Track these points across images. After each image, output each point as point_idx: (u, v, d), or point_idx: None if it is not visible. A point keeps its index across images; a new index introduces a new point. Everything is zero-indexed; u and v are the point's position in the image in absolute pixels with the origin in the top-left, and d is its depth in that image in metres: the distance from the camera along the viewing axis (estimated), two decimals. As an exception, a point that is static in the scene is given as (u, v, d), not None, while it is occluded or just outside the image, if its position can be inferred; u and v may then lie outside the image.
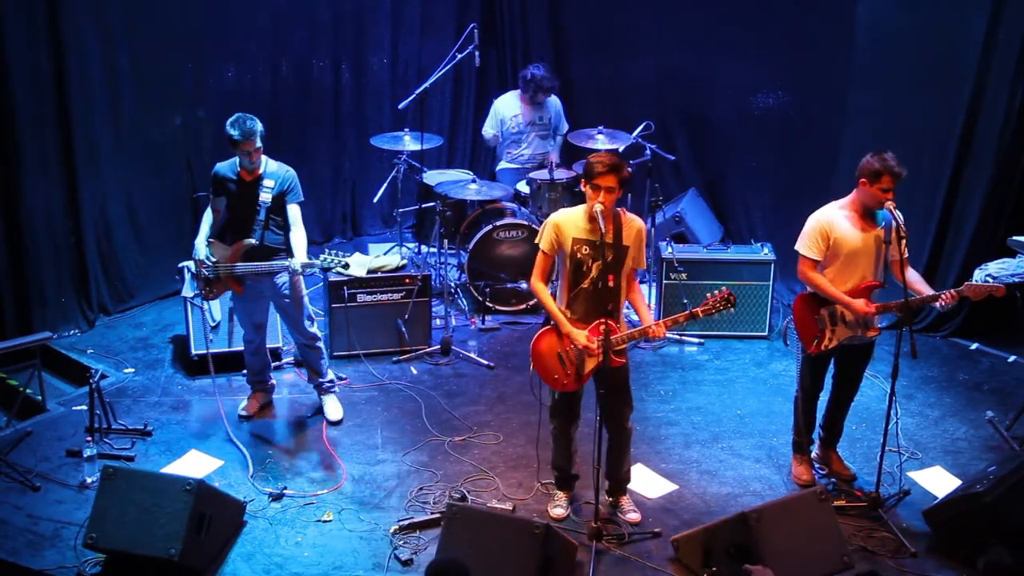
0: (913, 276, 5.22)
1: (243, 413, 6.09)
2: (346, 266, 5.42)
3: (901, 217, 5.00)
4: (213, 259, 5.66)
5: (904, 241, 5.06)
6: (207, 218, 5.80)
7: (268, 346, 6.25)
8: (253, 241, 5.61)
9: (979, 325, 7.26)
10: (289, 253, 5.65)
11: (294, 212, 5.67)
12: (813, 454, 5.75)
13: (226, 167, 5.73)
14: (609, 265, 4.81)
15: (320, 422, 6.15)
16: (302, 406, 6.31)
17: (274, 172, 5.66)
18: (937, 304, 5.12)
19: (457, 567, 3.89)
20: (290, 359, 6.73)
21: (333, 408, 6.09)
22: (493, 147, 8.50)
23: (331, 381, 6.15)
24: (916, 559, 4.95)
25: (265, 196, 5.61)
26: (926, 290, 5.14)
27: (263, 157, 5.65)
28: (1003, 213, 7.05)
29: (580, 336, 4.90)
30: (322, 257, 5.44)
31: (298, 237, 5.62)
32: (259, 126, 5.50)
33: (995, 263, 6.41)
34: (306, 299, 5.96)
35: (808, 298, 5.37)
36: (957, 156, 7.04)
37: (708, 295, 4.89)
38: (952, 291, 5.06)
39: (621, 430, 5.17)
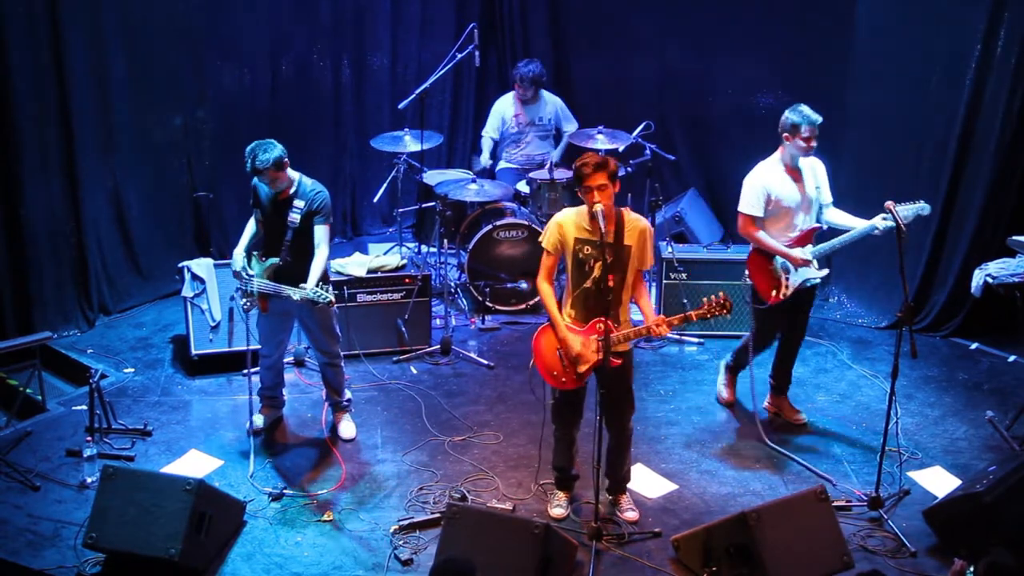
0: (839, 215, 5.78)
1: (251, 429, 5.96)
2: (330, 303, 5.30)
3: (900, 218, 5.06)
4: (251, 272, 5.57)
5: (828, 189, 5.77)
6: (249, 227, 5.73)
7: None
8: (277, 260, 5.51)
9: (979, 325, 7.26)
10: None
11: (319, 233, 5.50)
12: (765, 403, 6.20)
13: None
14: (610, 265, 4.81)
15: (319, 422, 6.15)
16: (301, 406, 6.31)
17: (306, 192, 5.52)
18: (876, 232, 5.55)
19: (464, 567, 3.90)
20: (289, 359, 6.72)
21: (347, 427, 6.01)
22: (489, 152, 8.43)
23: (348, 400, 6.08)
24: (916, 559, 4.96)
25: (294, 216, 5.47)
26: (857, 223, 5.64)
27: (296, 176, 5.54)
28: (1003, 213, 7.05)
29: (574, 344, 4.91)
30: (313, 290, 5.27)
31: (316, 260, 5.46)
32: (272, 155, 5.32)
33: (995, 263, 6.42)
34: (335, 319, 5.84)
35: (759, 253, 5.82)
36: (957, 156, 7.04)
37: (704, 299, 4.91)
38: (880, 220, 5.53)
39: (622, 430, 5.18)
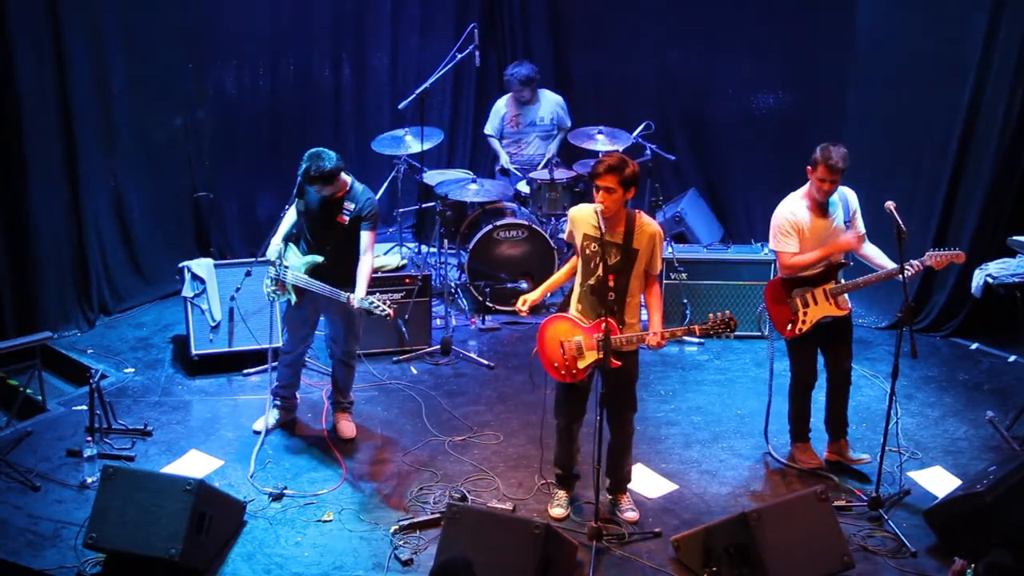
0: (873, 251, 5.47)
1: (257, 428, 5.95)
2: (388, 316, 5.30)
3: (901, 222, 5.05)
4: (285, 263, 5.59)
5: (860, 219, 5.44)
6: (287, 218, 5.73)
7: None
8: (320, 259, 5.53)
9: (979, 325, 7.26)
10: (354, 280, 5.46)
11: (366, 239, 5.52)
12: (824, 455, 5.79)
13: None
14: (612, 266, 4.83)
15: (319, 421, 6.15)
16: (302, 406, 6.29)
17: (357, 195, 5.54)
18: (907, 274, 5.18)
19: (461, 565, 3.90)
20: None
21: (347, 427, 6.00)
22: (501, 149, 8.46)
23: (351, 402, 6.08)
24: (916, 559, 4.95)
25: (344, 218, 5.50)
26: (888, 263, 5.34)
27: (349, 179, 5.56)
28: (1003, 213, 7.05)
29: (530, 296, 5.13)
30: (370, 300, 5.30)
31: (363, 266, 5.47)
32: (324, 167, 5.33)
33: (995, 263, 6.42)
34: (361, 321, 5.82)
35: (778, 284, 5.53)
36: (957, 156, 7.04)
37: (711, 315, 4.89)
38: (915, 262, 5.24)
39: (623, 430, 5.19)
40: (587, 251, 4.93)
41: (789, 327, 5.47)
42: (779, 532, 4.54)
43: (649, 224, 4.94)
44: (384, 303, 5.31)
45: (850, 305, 5.54)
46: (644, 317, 5.21)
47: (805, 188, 5.46)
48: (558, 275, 5.26)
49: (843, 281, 5.46)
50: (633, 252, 4.88)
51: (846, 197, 5.47)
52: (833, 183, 5.29)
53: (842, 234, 5.40)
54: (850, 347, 5.65)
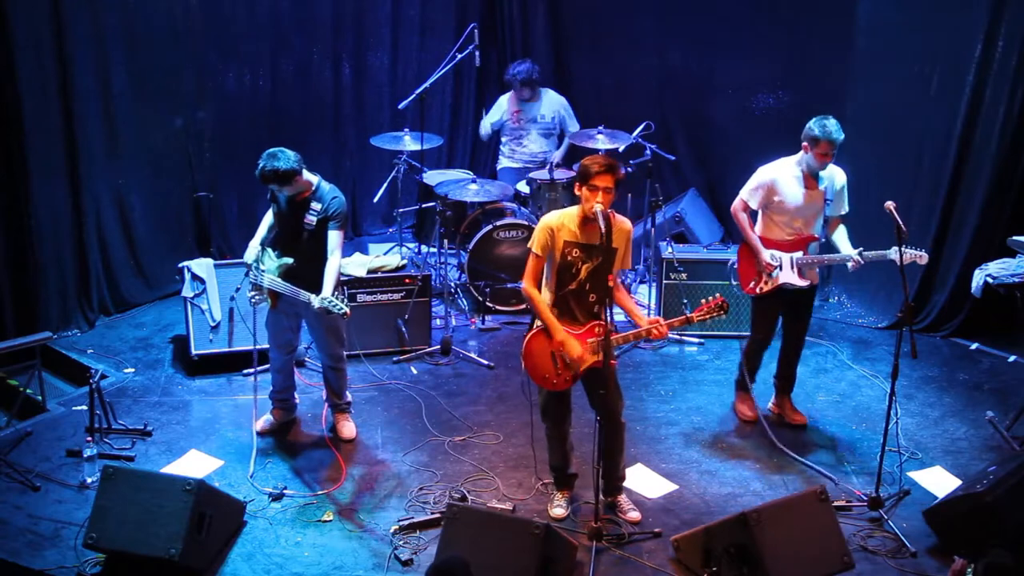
0: (839, 234, 5.79)
1: (258, 429, 5.94)
2: (345, 315, 5.31)
3: (900, 221, 5.07)
4: (262, 267, 5.57)
5: (844, 200, 5.75)
6: (266, 220, 5.72)
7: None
8: (290, 261, 5.51)
9: (979, 325, 7.26)
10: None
11: (333, 239, 5.48)
12: (769, 403, 6.22)
13: None
14: (602, 266, 4.83)
15: (319, 422, 6.15)
16: (302, 406, 6.29)
17: (323, 195, 5.51)
18: (848, 265, 5.62)
19: (458, 565, 3.90)
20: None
21: (347, 427, 6.00)
22: (486, 140, 8.59)
23: (348, 403, 6.07)
24: (916, 559, 4.96)
25: (310, 219, 5.48)
26: (846, 249, 5.68)
27: (315, 179, 5.54)
28: (1003, 213, 7.05)
29: (575, 347, 4.89)
30: (329, 300, 5.27)
31: (330, 267, 5.44)
32: (279, 166, 5.29)
33: (995, 263, 6.42)
34: (343, 323, 5.79)
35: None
36: (957, 156, 7.04)
37: (703, 300, 5.00)
38: (870, 254, 5.56)
39: (616, 425, 5.13)
40: (569, 257, 4.89)
41: (751, 284, 5.81)
42: (779, 532, 4.54)
43: (623, 221, 4.97)
44: (342, 302, 5.29)
45: (818, 280, 5.87)
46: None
47: (798, 156, 5.68)
48: (543, 303, 4.97)
49: (810, 255, 5.74)
50: (613, 251, 4.88)
51: (833, 177, 5.69)
52: (833, 155, 5.56)
53: (766, 257, 5.73)
54: (809, 317, 5.99)
